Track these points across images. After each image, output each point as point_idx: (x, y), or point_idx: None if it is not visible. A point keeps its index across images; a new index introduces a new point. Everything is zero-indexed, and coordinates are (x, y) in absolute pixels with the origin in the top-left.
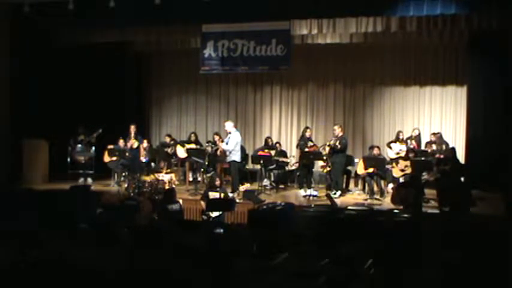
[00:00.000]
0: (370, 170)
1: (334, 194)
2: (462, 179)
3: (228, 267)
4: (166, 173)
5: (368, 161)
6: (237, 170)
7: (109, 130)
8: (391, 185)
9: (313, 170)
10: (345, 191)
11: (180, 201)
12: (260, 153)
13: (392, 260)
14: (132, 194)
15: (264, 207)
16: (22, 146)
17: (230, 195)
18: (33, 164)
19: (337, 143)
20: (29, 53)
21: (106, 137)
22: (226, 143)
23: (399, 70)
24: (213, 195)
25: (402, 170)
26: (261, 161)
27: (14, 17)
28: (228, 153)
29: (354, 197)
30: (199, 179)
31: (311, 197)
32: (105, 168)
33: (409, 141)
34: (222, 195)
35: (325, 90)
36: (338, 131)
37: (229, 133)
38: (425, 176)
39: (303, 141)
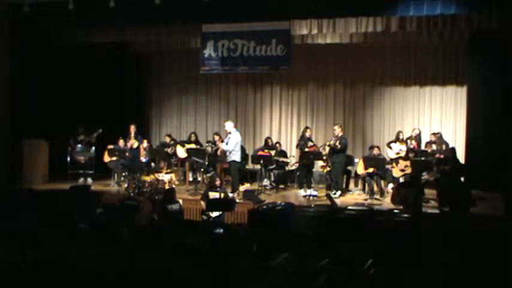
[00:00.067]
0: (370, 170)
1: (334, 194)
2: (462, 179)
3: (228, 267)
4: (166, 173)
5: (368, 161)
6: (237, 170)
7: (109, 130)
8: (391, 185)
9: (313, 170)
10: (345, 191)
11: (180, 201)
12: (260, 153)
13: (392, 260)
14: (132, 194)
15: (264, 207)
16: (22, 146)
17: (230, 195)
18: (33, 164)
19: (337, 143)
20: (29, 53)
21: (106, 137)
22: (226, 143)
23: (399, 70)
24: (213, 195)
25: (402, 170)
26: (261, 161)
27: (14, 17)
28: (228, 153)
29: (354, 197)
30: (199, 179)
31: (311, 197)
32: (105, 168)
33: (409, 141)
34: (222, 195)
35: (325, 90)
36: (338, 131)
37: (229, 133)
38: (425, 176)
39: (303, 141)
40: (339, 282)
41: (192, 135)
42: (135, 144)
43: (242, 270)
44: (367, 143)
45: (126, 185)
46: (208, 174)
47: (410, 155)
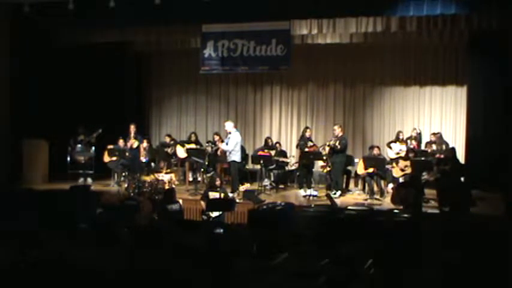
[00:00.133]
0: (370, 170)
1: (334, 194)
2: (462, 179)
3: (228, 267)
4: (166, 173)
5: (368, 161)
6: (237, 170)
7: (109, 130)
8: (391, 185)
9: (313, 170)
10: (345, 191)
11: (180, 201)
12: (260, 153)
13: (392, 260)
14: (132, 194)
15: (264, 207)
16: (22, 146)
17: (230, 195)
18: (33, 164)
19: (337, 143)
20: (29, 53)
21: (106, 137)
22: (226, 143)
23: (399, 70)
24: (213, 195)
25: (402, 170)
26: (261, 161)
27: (14, 17)
28: (228, 153)
29: (354, 197)
30: (199, 179)
31: (311, 197)
32: (105, 168)
33: (409, 141)
34: (222, 195)
35: (325, 90)
36: (338, 131)
37: (229, 133)
38: (425, 176)
39: (303, 141)
40: (339, 282)
41: (192, 135)
42: (135, 144)
43: (242, 270)
44: (367, 143)
45: (126, 185)
46: (208, 174)
47: (410, 155)
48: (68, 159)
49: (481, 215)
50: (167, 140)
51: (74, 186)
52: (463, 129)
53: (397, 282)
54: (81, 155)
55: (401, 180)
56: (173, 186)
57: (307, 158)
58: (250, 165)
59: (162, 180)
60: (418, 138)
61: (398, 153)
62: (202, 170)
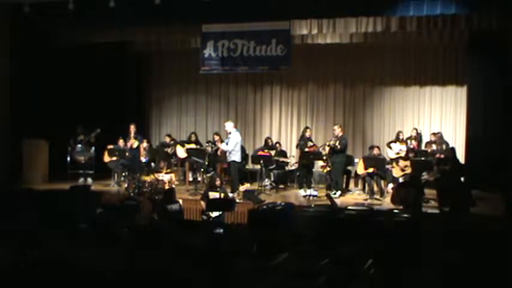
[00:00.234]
0: (370, 170)
1: (334, 194)
2: (462, 179)
3: (228, 267)
4: (166, 173)
5: (368, 161)
6: (236, 170)
7: (109, 130)
8: (391, 185)
9: (313, 170)
10: (345, 191)
11: (180, 201)
12: (260, 153)
13: (392, 260)
14: (132, 194)
15: (264, 207)
16: (22, 146)
17: (230, 195)
18: (33, 164)
19: (337, 143)
20: (29, 53)
21: (106, 137)
22: (226, 144)
23: (399, 70)
24: (213, 195)
25: (402, 170)
26: (261, 161)
27: (14, 17)
28: (228, 153)
29: (354, 197)
30: (199, 179)
31: (311, 197)
32: (105, 168)
33: (409, 141)
34: (222, 195)
35: (325, 90)
36: (338, 131)
37: (229, 133)
38: (425, 176)
39: (303, 141)
40: (339, 282)
41: (192, 135)
42: (135, 144)
43: (242, 270)
44: (367, 143)
45: (126, 185)
46: (208, 174)
47: (410, 155)
48: (68, 159)
49: (481, 215)
50: (167, 140)
51: (74, 186)
52: (463, 129)
53: (397, 282)
54: (81, 155)
55: (401, 180)
56: (173, 186)
57: (307, 158)
58: (250, 165)
59: (162, 180)
60: (418, 138)
61: (398, 153)
62: (202, 170)
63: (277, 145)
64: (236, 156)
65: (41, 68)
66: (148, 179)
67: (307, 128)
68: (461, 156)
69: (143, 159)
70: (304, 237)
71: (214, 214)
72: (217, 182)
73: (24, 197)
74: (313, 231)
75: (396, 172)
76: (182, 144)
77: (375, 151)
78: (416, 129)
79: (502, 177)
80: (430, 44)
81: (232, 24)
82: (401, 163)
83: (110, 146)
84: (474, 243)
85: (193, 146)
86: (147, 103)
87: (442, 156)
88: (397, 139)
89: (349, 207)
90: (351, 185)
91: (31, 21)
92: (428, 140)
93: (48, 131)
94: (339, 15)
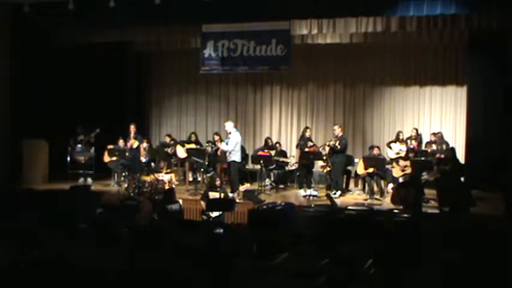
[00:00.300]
0: (370, 170)
1: (334, 194)
2: (462, 179)
3: (228, 267)
4: (166, 173)
5: (368, 161)
6: (236, 170)
7: (109, 130)
8: (391, 185)
9: (313, 170)
10: (345, 191)
11: (180, 201)
12: (260, 153)
13: (392, 260)
14: (132, 194)
15: (264, 207)
16: (22, 146)
17: (230, 195)
18: (33, 164)
19: (337, 143)
20: (29, 53)
21: (106, 137)
22: (226, 144)
23: (399, 70)
24: (213, 195)
25: (402, 170)
26: (261, 161)
27: (14, 17)
28: (228, 153)
29: (354, 197)
30: (199, 179)
31: (311, 197)
32: (105, 168)
33: (409, 141)
34: (222, 195)
35: (325, 90)
36: (338, 131)
37: (229, 133)
38: (425, 176)
39: (303, 141)
40: (339, 282)
41: (192, 135)
42: (135, 144)
43: (242, 270)
44: (367, 143)
45: (126, 185)
46: (208, 174)
47: (410, 155)
48: (68, 159)
49: (481, 215)
50: (167, 140)
51: (74, 186)
52: (463, 129)
53: (397, 282)
54: (81, 155)
55: (401, 180)
56: (173, 186)
57: (307, 158)
58: (250, 165)
59: (162, 180)
60: (418, 138)
61: (398, 153)
62: (202, 170)
63: (277, 145)
64: (236, 156)
65: (41, 68)
66: (148, 179)
67: (307, 128)
68: (461, 156)
69: (143, 159)
70: (304, 237)
71: (214, 214)
72: (217, 182)
73: (24, 197)
74: (313, 231)
75: (396, 172)
76: (182, 144)
77: (375, 151)
78: (416, 129)
79: (502, 177)
80: (430, 44)
81: (232, 24)
82: (401, 163)
83: (110, 146)
84: (474, 243)
85: (193, 146)
86: (147, 103)
87: (442, 156)
88: (397, 139)
89: (349, 207)
90: (351, 185)
91: (31, 21)
92: (428, 140)
93: (48, 131)
94: (339, 15)
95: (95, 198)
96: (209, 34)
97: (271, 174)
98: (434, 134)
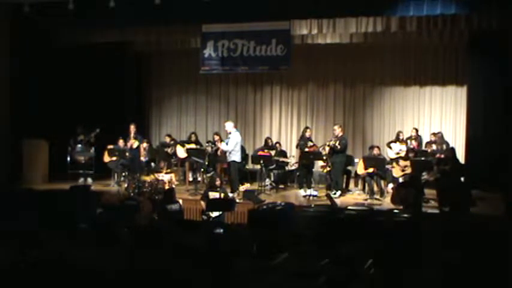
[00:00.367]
0: (370, 170)
1: (334, 194)
2: (462, 179)
3: (228, 267)
4: (166, 173)
5: (368, 161)
6: (236, 170)
7: (109, 130)
8: (391, 185)
9: (313, 170)
10: (345, 191)
11: (180, 201)
12: (260, 153)
13: (392, 260)
14: (132, 194)
15: (264, 207)
16: (22, 146)
17: (230, 195)
18: (33, 164)
19: (337, 143)
20: (29, 53)
21: (106, 137)
22: (226, 144)
23: (399, 70)
24: (213, 195)
25: (402, 170)
26: (261, 161)
27: (14, 17)
28: (228, 153)
29: (354, 197)
30: (199, 179)
31: (311, 197)
32: (105, 168)
33: (409, 141)
34: (222, 195)
35: (325, 90)
36: (338, 131)
37: (229, 133)
38: (425, 176)
39: (303, 141)
40: (339, 282)
41: (192, 135)
42: (135, 144)
43: (242, 270)
44: (367, 143)
45: (126, 185)
46: (208, 174)
47: (410, 155)
48: (68, 159)
49: (481, 215)
50: (167, 140)
51: (74, 186)
52: (463, 129)
53: (397, 282)
54: (81, 155)
55: (401, 180)
56: (173, 186)
57: (307, 158)
58: (250, 165)
59: (162, 180)
60: (418, 138)
61: (398, 153)
62: (202, 170)
63: (277, 145)
64: (236, 156)
65: (41, 68)
66: (148, 179)
67: (307, 128)
68: (461, 156)
69: (143, 159)
70: (304, 237)
71: (214, 214)
72: (217, 182)
73: (24, 197)
74: (313, 231)
75: (396, 172)
76: (182, 144)
77: (375, 151)
78: (416, 129)
79: (502, 177)
80: (430, 44)
81: (232, 24)
82: (401, 163)
83: (110, 146)
84: (474, 243)
85: (193, 146)
86: (147, 103)
87: (442, 156)
88: (397, 139)
89: (349, 207)
90: (351, 185)
91: (31, 21)
92: (428, 140)
93: (48, 131)
94: (339, 15)
95: (95, 198)
96: (209, 34)
97: (271, 174)
98: (434, 134)
